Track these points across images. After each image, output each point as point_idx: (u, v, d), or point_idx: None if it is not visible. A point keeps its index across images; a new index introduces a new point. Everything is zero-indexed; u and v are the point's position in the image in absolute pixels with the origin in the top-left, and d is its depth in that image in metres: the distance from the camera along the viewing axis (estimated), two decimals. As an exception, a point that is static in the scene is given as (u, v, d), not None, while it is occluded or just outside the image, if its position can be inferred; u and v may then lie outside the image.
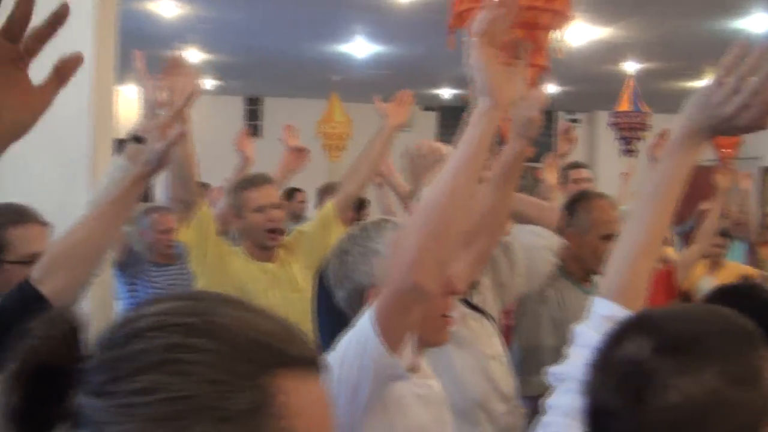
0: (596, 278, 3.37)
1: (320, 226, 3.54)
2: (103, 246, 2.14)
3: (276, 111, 12.79)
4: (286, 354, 0.70)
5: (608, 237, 3.03)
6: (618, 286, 1.46)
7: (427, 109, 13.49)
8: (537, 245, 2.87)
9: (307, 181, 6.79)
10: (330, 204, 3.61)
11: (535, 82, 4.02)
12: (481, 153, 1.59)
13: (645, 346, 1.01)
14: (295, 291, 3.39)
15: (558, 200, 4.45)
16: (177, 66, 2.61)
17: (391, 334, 1.62)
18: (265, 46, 8.50)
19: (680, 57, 8.41)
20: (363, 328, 1.64)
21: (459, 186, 1.57)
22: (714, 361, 0.99)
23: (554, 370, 1.44)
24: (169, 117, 2.36)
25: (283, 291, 3.35)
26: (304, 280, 3.45)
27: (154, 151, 2.21)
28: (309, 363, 0.73)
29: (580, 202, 3.26)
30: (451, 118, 12.10)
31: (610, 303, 1.42)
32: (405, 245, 1.60)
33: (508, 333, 5.46)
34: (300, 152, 4.31)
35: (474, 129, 1.60)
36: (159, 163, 2.22)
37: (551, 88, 11.14)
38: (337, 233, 3.46)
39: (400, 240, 1.65)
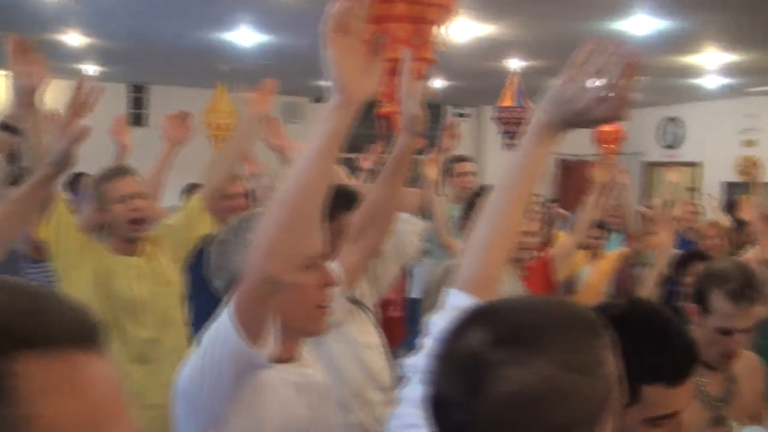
0: None
1: (186, 219, 3.51)
2: (3, 244, 2.10)
3: (162, 99, 12.52)
4: (29, 334, 0.65)
5: None
6: (471, 276, 1.48)
7: (317, 100, 13.44)
8: (404, 230, 2.92)
9: (192, 171, 6.68)
10: (195, 197, 3.58)
11: (422, 76, 4.08)
12: (330, 148, 1.58)
13: (484, 337, 1.01)
14: (164, 284, 3.35)
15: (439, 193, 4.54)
16: (21, 51, 2.52)
17: (249, 324, 1.63)
18: (150, 31, 8.29)
19: (564, 55, 8.57)
20: (223, 319, 1.65)
21: (310, 180, 1.56)
22: (551, 351, 0.99)
23: (408, 362, 1.46)
24: (68, 115, 2.31)
25: (150, 285, 3.29)
26: (172, 273, 3.42)
27: (58, 151, 2.16)
28: (69, 342, 0.67)
29: (480, 195, 3.38)
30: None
31: (463, 294, 1.44)
32: (259, 237, 1.60)
33: (399, 324, 5.52)
34: (182, 120, 4.13)
35: (323, 124, 1.58)
36: (63, 162, 2.18)
37: (439, 83, 11.27)
38: (205, 225, 3.45)
39: (257, 232, 1.65)
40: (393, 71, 4.24)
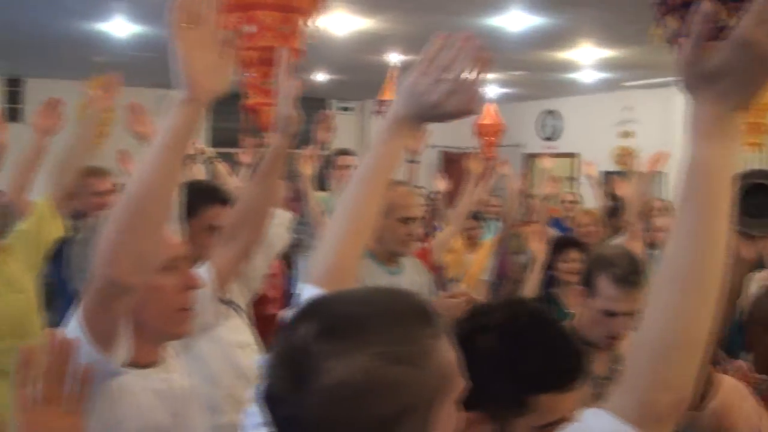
0: (403, 260, 3.54)
1: (36, 223, 3.39)
2: None
3: (39, 93, 12.01)
4: None
5: (406, 220, 3.38)
6: (325, 270, 1.46)
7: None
8: (271, 224, 2.88)
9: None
10: (43, 199, 3.47)
11: (290, 66, 4.06)
12: (176, 146, 1.53)
13: (311, 330, 1.01)
14: (17, 291, 3.23)
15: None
16: None
17: (97, 329, 1.57)
18: (22, 21, 7.96)
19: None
20: (72, 325, 1.60)
21: (154, 178, 1.51)
22: (373, 343, 0.98)
23: (264, 358, 1.45)
24: None
25: (3, 293, 3.17)
26: (26, 280, 3.30)
27: None
28: None
29: None
30: (223, 105, 11.98)
31: (316, 289, 1.41)
32: (103, 239, 1.54)
33: (278, 321, 5.48)
34: (53, 108, 3.88)
35: (169, 121, 1.53)
36: None
37: (323, 77, 11.26)
38: (57, 228, 3.35)
39: (102, 233, 1.58)
40: (262, 61, 4.21)
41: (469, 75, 1.40)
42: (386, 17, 7.33)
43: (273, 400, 1.02)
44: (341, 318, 1.03)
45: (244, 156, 6.65)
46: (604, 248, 2.92)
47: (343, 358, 0.97)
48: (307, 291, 1.43)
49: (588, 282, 2.67)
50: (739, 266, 2.03)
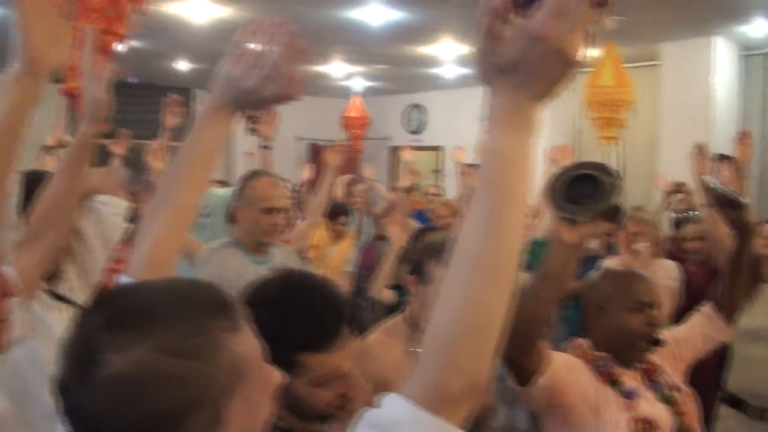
0: (271, 249, 3.54)
1: None
2: None
3: None
4: None
5: (269, 210, 3.48)
6: (141, 260, 1.40)
7: (58, 81, 12.69)
8: (105, 213, 2.77)
9: None
10: None
11: (111, 52, 3.92)
12: (14, 126, 1.43)
13: (97, 321, 0.99)
14: None
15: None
16: None
17: None
18: None
19: (305, 42, 8.68)
20: None
21: None
22: (155, 335, 0.97)
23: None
24: None
25: None
26: None
27: None
28: None
29: (246, 179, 3.62)
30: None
31: (130, 279, 1.36)
32: None
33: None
34: None
35: (5, 97, 1.43)
36: None
37: (186, 65, 11.07)
38: None
39: None
40: (82, 43, 4.07)
41: (285, 61, 1.37)
42: (244, 6, 7.26)
43: (62, 390, 1.00)
44: (128, 308, 1.00)
45: (116, 147, 6.42)
46: (432, 236, 3.00)
47: (124, 349, 0.95)
48: (123, 282, 1.37)
49: (419, 270, 2.74)
50: (563, 250, 2.12)
